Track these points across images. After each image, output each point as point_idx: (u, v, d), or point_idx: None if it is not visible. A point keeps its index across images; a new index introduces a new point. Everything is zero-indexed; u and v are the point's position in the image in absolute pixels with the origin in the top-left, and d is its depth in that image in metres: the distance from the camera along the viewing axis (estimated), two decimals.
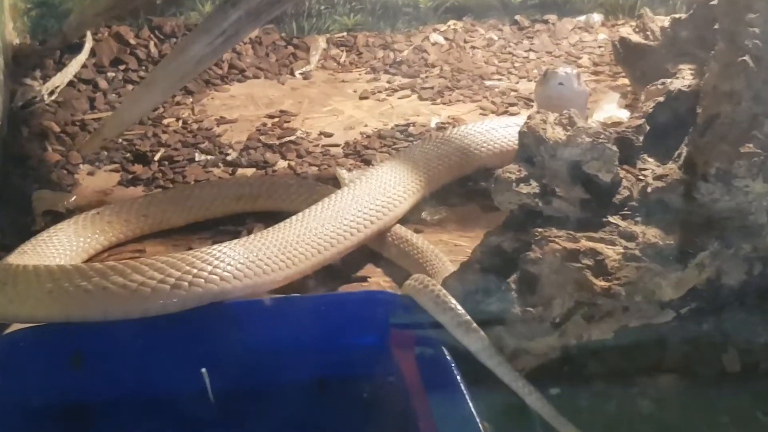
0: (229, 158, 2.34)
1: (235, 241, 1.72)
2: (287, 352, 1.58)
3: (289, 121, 2.52)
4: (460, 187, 2.20)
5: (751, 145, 1.60)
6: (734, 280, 1.64)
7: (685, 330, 1.65)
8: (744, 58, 1.67)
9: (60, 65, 2.67)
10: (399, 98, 2.64)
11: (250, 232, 2.04)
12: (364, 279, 1.94)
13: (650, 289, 1.58)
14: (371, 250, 1.99)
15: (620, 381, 1.66)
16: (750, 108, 1.65)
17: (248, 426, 1.49)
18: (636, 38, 2.38)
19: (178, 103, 2.58)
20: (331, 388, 1.59)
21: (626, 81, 2.59)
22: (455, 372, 1.46)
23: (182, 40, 2.30)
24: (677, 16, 2.31)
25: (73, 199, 2.19)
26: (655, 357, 1.67)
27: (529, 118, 1.74)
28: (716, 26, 1.82)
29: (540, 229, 1.63)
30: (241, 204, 2.10)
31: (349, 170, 2.25)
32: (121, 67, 2.70)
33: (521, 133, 1.72)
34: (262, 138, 2.42)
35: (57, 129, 2.42)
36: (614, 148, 1.69)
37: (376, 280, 1.94)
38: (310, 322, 1.61)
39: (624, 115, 2.52)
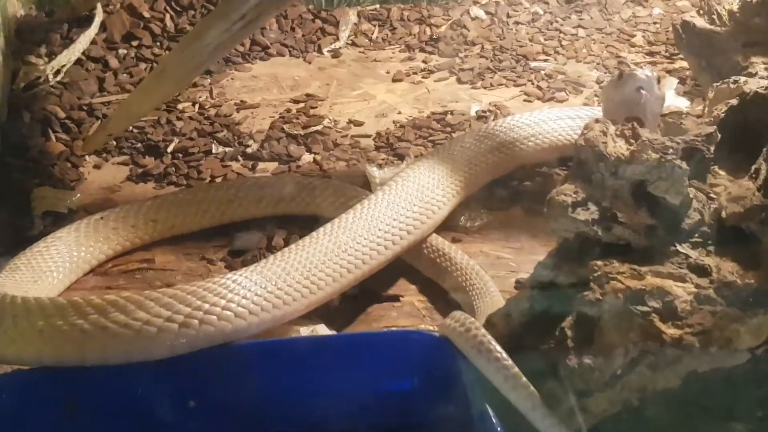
0: (249, 150, 2.14)
1: (252, 267, 1.52)
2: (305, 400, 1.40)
3: (315, 107, 2.31)
4: (503, 187, 1.99)
5: None
6: None
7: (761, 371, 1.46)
8: None
9: (67, 41, 2.46)
10: (435, 81, 2.42)
11: (270, 240, 1.84)
12: (396, 298, 1.75)
13: (726, 336, 1.37)
14: (403, 261, 1.80)
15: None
16: None
17: None
18: (700, 22, 2.14)
19: (195, 85, 2.37)
20: None
21: (684, 64, 2.35)
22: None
23: (197, 25, 2.08)
24: None
25: (77, 197, 2.00)
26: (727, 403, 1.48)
27: (586, 128, 1.52)
28: None
29: (599, 263, 1.42)
30: (261, 208, 1.90)
31: (380, 167, 2.04)
32: (134, 44, 2.49)
33: (578, 147, 1.51)
34: (285, 127, 2.21)
35: (62, 114, 2.23)
36: (684, 165, 1.47)
37: (410, 299, 1.75)
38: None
39: (683, 104, 2.30)
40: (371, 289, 1.74)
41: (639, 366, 1.38)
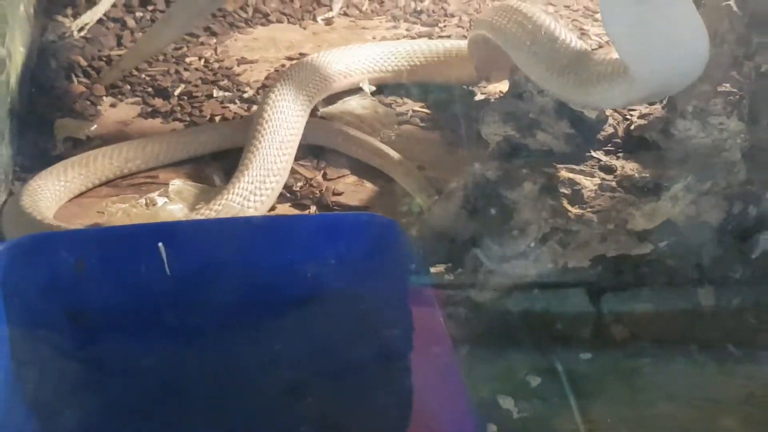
0: (245, 96, 2.43)
1: None
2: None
3: None
4: None
5: (728, 85, 1.66)
6: (713, 218, 1.70)
7: (663, 264, 1.73)
8: (729, 2, 1.73)
9: (91, 3, 2.76)
10: None
11: None
12: None
13: (623, 218, 1.65)
14: None
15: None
16: (732, 50, 1.71)
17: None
18: None
19: (202, 44, 2.67)
20: None
21: None
22: None
23: None
24: None
25: (93, 128, 2.29)
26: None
27: None
28: None
29: (522, 161, 1.71)
30: None
31: None
32: (150, 8, 2.79)
33: (512, 69, 1.80)
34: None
35: (84, 63, 2.53)
36: None
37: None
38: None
39: None
40: None
41: (550, 241, 1.66)
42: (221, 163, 2.18)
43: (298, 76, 2.24)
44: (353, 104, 2.36)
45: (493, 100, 2.22)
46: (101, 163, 2.12)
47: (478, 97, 2.36)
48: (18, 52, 2.28)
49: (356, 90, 2.38)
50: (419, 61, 2.43)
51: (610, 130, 1.78)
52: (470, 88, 2.39)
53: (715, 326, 1.70)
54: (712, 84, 1.68)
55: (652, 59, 1.58)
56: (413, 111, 2.35)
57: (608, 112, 1.79)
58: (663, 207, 1.64)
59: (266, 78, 2.51)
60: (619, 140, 1.76)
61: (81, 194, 2.09)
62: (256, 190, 1.98)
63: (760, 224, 1.71)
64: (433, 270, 1.70)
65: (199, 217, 1.81)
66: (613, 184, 1.67)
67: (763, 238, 1.71)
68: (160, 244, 1.46)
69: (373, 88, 2.39)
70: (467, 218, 1.69)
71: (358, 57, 2.39)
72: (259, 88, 2.46)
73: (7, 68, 2.13)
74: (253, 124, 2.11)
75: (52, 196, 2.02)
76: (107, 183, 2.13)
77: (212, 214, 1.83)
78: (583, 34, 2.70)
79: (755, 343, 1.68)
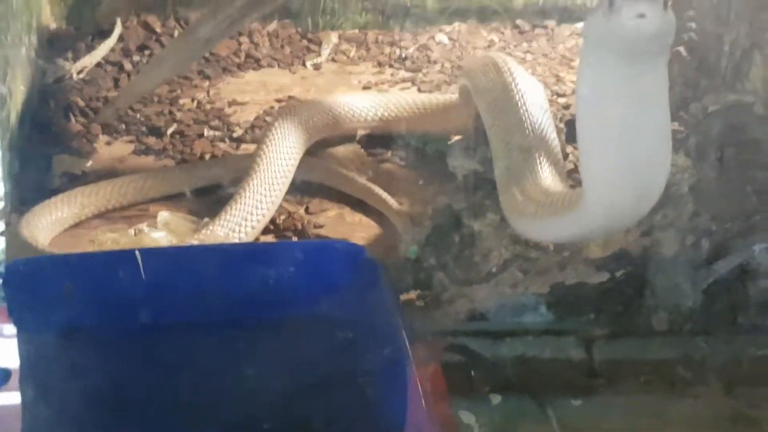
0: (235, 135, 2.56)
1: None
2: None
3: None
4: None
5: (676, 124, 1.79)
6: (667, 249, 1.81)
7: (620, 292, 1.84)
8: (679, 48, 1.86)
9: (90, 48, 2.90)
10: (400, 89, 2.84)
11: None
12: None
13: (578, 246, 1.76)
14: None
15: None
16: (681, 92, 1.84)
17: None
18: None
19: (195, 86, 2.80)
20: None
21: None
22: None
23: (192, 23, 2.53)
24: None
25: (89, 164, 2.42)
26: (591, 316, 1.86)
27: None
28: None
29: (486, 192, 1.83)
30: None
31: None
32: (146, 53, 2.92)
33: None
34: (267, 119, 2.63)
35: (82, 103, 2.65)
36: (561, 125, 1.88)
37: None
38: None
39: None
40: None
41: (511, 267, 1.77)
42: (209, 197, 2.30)
43: (297, 116, 2.37)
44: (339, 149, 2.48)
45: None
46: (94, 196, 2.25)
47: (455, 138, 2.49)
48: (19, 92, 2.41)
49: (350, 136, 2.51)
50: (412, 111, 2.56)
51: (570, 165, 1.90)
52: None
53: (667, 349, 1.81)
54: None
55: (616, 178, 1.55)
56: (393, 152, 2.47)
57: (569, 149, 1.91)
58: (615, 237, 1.76)
59: (255, 119, 2.64)
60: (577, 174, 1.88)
61: (75, 225, 2.21)
62: (243, 221, 2.10)
63: (712, 256, 1.83)
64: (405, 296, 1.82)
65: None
66: None
67: (714, 269, 1.83)
68: (136, 250, 1.57)
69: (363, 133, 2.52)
70: (434, 245, 1.80)
71: (358, 104, 2.52)
72: (248, 128, 2.59)
73: (7, 105, 2.26)
74: (252, 159, 2.24)
75: (48, 226, 2.15)
76: (100, 215, 2.25)
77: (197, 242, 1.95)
78: (558, 80, 2.84)
79: (704, 365, 1.79)
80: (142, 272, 1.55)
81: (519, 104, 1.90)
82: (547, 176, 1.75)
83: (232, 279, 1.63)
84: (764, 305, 1.83)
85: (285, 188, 2.23)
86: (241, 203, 2.12)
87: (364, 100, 2.54)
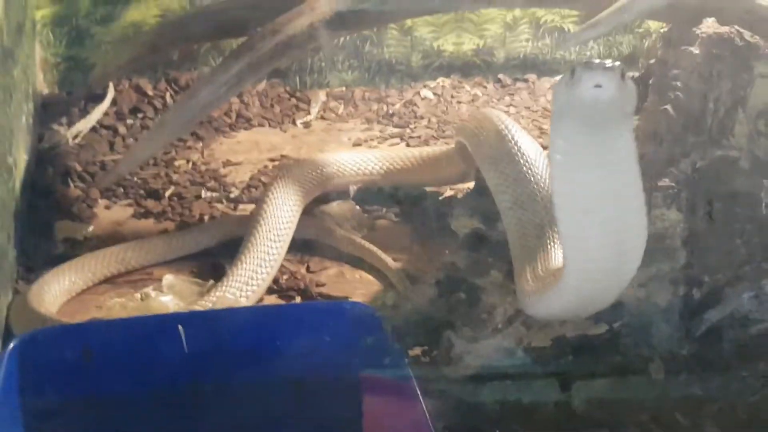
0: (232, 195, 2.63)
1: None
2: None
3: None
4: None
5: (667, 180, 1.87)
6: (661, 300, 1.89)
7: (618, 343, 1.91)
8: (666, 107, 1.95)
9: (84, 112, 2.96)
10: (389, 145, 2.92)
11: None
12: None
13: None
14: None
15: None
16: (670, 148, 1.92)
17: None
18: None
19: (189, 148, 2.87)
20: None
21: None
22: None
23: (191, 88, 2.59)
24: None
25: (90, 229, 2.47)
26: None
27: None
28: (650, 81, 2.10)
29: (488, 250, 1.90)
30: None
31: None
32: (140, 115, 2.99)
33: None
34: (262, 178, 2.70)
35: (79, 168, 2.71)
36: None
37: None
38: None
39: None
40: None
41: (515, 323, 1.84)
42: (210, 258, 2.35)
43: (294, 175, 2.43)
44: (334, 206, 2.55)
45: (460, 196, 2.42)
46: (99, 263, 2.29)
47: (448, 193, 2.56)
48: (21, 159, 2.47)
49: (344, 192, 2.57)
50: (404, 164, 2.62)
51: None
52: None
53: (663, 395, 1.88)
54: (652, 179, 1.88)
55: (592, 245, 1.58)
56: (387, 208, 2.54)
57: None
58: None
59: (251, 178, 2.71)
60: None
61: (82, 292, 2.25)
62: (247, 282, 2.15)
63: (704, 305, 1.90)
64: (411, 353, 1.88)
65: (196, 308, 1.98)
66: None
67: (706, 318, 1.90)
68: (179, 326, 1.62)
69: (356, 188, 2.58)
70: (440, 303, 1.87)
71: (352, 160, 2.59)
72: (244, 188, 2.65)
73: (14, 176, 2.31)
74: (251, 220, 2.30)
75: (55, 294, 2.19)
76: (105, 281, 2.30)
77: (208, 305, 2.00)
78: (542, 132, 2.92)
79: (701, 412, 1.86)
80: (185, 345, 1.60)
81: (526, 171, 1.98)
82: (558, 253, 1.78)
83: (252, 341, 1.68)
84: (755, 351, 1.90)
85: (286, 247, 2.29)
86: (244, 265, 2.18)
87: (358, 156, 2.61)
